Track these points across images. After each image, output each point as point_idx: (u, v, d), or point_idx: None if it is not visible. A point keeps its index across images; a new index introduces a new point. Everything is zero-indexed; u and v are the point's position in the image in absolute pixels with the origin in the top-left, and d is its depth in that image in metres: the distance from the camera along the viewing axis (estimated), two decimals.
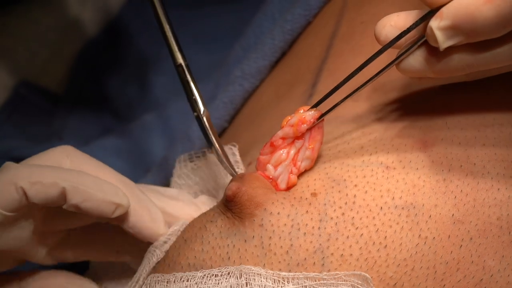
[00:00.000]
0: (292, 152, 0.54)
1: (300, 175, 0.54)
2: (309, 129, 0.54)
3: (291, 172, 0.54)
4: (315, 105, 0.53)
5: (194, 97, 0.61)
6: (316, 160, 0.55)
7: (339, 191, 0.51)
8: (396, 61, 0.49)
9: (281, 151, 0.54)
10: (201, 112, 0.60)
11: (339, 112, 0.58)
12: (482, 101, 0.55)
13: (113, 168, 0.85)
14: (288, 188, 0.54)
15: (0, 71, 0.98)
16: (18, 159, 0.90)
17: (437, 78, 0.49)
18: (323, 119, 0.53)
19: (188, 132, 0.76)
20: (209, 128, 0.59)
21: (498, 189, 0.52)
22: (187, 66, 0.61)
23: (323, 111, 0.53)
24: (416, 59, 0.48)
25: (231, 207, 0.51)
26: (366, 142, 0.54)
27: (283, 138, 0.54)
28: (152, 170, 0.79)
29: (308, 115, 0.53)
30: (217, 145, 0.58)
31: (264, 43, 0.74)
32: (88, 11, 1.03)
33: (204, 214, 0.55)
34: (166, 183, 0.77)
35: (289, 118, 0.54)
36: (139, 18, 1.03)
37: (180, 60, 0.61)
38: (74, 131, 0.96)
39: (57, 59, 1.01)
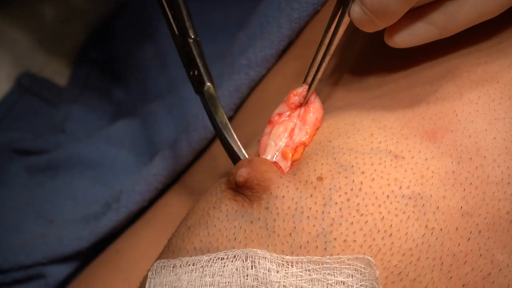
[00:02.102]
0: (290, 125, 0.56)
1: (303, 155, 0.54)
2: (302, 106, 0.57)
3: (287, 145, 0.55)
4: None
5: (207, 70, 0.61)
6: (322, 143, 0.54)
7: (346, 177, 0.50)
8: (346, 8, 0.52)
9: (278, 126, 0.56)
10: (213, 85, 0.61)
11: (351, 99, 0.59)
12: (493, 93, 0.54)
13: (117, 157, 0.87)
14: (292, 162, 0.54)
15: (3, 62, 0.98)
16: (20, 151, 0.91)
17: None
18: (314, 93, 0.57)
19: (193, 121, 0.75)
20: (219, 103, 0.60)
21: (508, 183, 0.51)
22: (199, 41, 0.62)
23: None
24: (357, 3, 0.51)
25: (242, 191, 0.52)
26: (376, 130, 0.53)
27: (279, 114, 0.57)
28: (155, 160, 0.78)
29: (298, 88, 0.57)
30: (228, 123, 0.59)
31: (270, 32, 0.73)
32: (92, 1, 1.03)
33: (206, 200, 0.55)
34: (171, 172, 0.76)
35: (285, 99, 0.58)
36: (144, 8, 1.02)
37: (192, 35, 0.62)
38: (77, 123, 0.95)
39: (60, 50, 1.01)
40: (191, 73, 0.61)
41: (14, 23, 0.99)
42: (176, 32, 0.63)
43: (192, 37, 0.62)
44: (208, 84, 0.61)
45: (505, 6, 0.51)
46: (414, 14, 0.52)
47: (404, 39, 0.53)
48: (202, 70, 0.61)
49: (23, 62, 0.98)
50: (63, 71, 1.01)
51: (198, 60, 0.61)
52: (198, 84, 0.61)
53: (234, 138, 0.58)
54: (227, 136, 0.58)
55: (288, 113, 0.57)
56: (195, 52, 0.62)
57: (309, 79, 0.57)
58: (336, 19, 0.54)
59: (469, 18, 0.51)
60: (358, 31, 0.55)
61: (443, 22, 0.52)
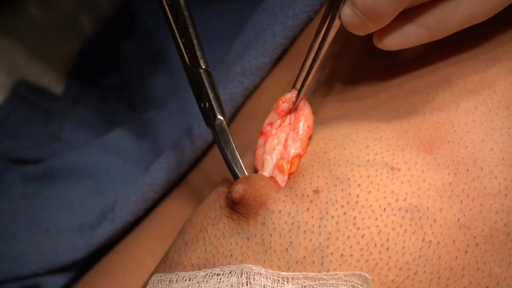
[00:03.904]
0: (282, 136, 0.55)
1: (299, 167, 0.54)
2: (292, 112, 0.56)
3: (282, 158, 0.54)
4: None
5: (219, 102, 0.60)
6: (318, 154, 0.54)
7: (342, 190, 0.50)
8: (336, 11, 0.51)
9: (271, 138, 0.55)
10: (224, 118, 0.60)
11: (346, 109, 0.59)
12: (490, 103, 0.53)
13: (113, 166, 0.86)
14: (289, 175, 0.53)
15: None
16: (17, 160, 0.90)
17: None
18: (303, 99, 0.56)
19: (188, 132, 0.75)
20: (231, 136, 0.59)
21: (506, 194, 0.50)
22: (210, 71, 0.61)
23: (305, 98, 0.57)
24: (348, 6, 0.50)
25: (239, 208, 0.51)
26: (372, 142, 0.53)
27: (270, 124, 0.56)
28: (150, 169, 0.78)
29: (287, 94, 0.56)
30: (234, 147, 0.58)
31: (264, 40, 0.73)
32: (87, 10, 1.02)
33: (205, 215, 0.54)
34: (166, 182, 0.76)
35: (274, 107, 0.57)
36: (139, 16, 1.02)
37: (203, 64, 0.61)
38: (73, 132, 0.95)
39: (56, 59, 1.00)
40: (202, 105, 0.60)
41: (9, 32, 0.98)
42: (187, 61, 0.61)
43: (203, 67, 0.61)
44: (220, 117, 0.59)
45: (498, 8, 0.51)
46: (405, 16, 0.52)
47: (394, 41, 0.53)
48: (213, 102, 0.59)
49: (19, 71, 0.98)
50: (59, 79, 1.00)
51: (209, 92, 0.60)
52: (209, 117, 0.59)
53: (245, 174, 0.56)
54: (237, 172, 0.56)
55: (279, 122, 0.56)
56: (206, 84, 0.60)
57: (298, 85, 0.56)
58: (326, 23, 0.53)
59: (461, 20, 0.51)
60: (350, 40, 0.54)
61: (434, 24, 0.51)
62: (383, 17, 0.49)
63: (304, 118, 0.56)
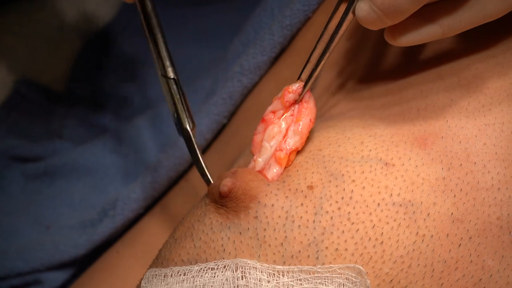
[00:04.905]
0: (283, 125, 0.55)
1: (294, 163, 0.54)
2: (296, 103, 0.55)
3: (280, 149, 0.54)
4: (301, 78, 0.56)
5: (188, 110, 0.62)
6: (313, 151, 0.54)
7: (336, 186, 0.51)
8: (351, 6, 0.50)
9: (272, 126, 0.55)
10: (190, 127, 0.61)
11: (341, 107, 0.59)
12: (483, 99, 0.54)
13: (113, 164, 0.87)
14: (285, 167, 0.54)
15: (0, 69, 0.98)
16: (17, 158, 0.91)
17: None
18: (308, 91, 0.55)
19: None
20: (196, 144, 0.60)
21: (499, 188, 0.51)
22: (178, 80, 0.62)
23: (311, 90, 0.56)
24: (365, 1, 0.49)
25: (226, 202, 0.51)
26: (366, 138, 0.54)
27: (273, 112, 0.56)
28: (150, 167, 0.78)
29: (293, 85, 0.55)
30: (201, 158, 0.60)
31: (263, 39, 0.73)
32: (88, 10, 1.03)
33: (193, 213, 0.55)
34: (165, 180, 0.77)
35: (279, 95, 0.56)
36: (138, 18, 1.03)
37: (172, 74, 0.62)
38: (74, 130, 0.96)
39: (57, 57, 1.01)
40: (174, 115, 0.62)
41: (11, 30, 0.99)
42: (159, 70, 0.62)
43: (171, 77, 0.62)
44: (186, 127, 0.61)
45: (509, 8, 0.50)
46: (419, 13, 0.51)
47: (407, 38, 0.52)
48: (180, 113, 0.61)
49: (20, 69, 0.98)
50: (60, 78, 1.01)
51: (176, 102, 0.61)
52: (177, 127, 0.62)
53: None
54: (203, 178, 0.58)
55: (281, 111, 0.56)
56: (172, 94, 0.62)
57: (304, 76, 0.55)
58: (339, 15, 0.52)
59: (474, 19, 0.50)
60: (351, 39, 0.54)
61: (449, 22, 0.51)
62: (401, 14, 0.48)
63: (307, 112, 0.55)
